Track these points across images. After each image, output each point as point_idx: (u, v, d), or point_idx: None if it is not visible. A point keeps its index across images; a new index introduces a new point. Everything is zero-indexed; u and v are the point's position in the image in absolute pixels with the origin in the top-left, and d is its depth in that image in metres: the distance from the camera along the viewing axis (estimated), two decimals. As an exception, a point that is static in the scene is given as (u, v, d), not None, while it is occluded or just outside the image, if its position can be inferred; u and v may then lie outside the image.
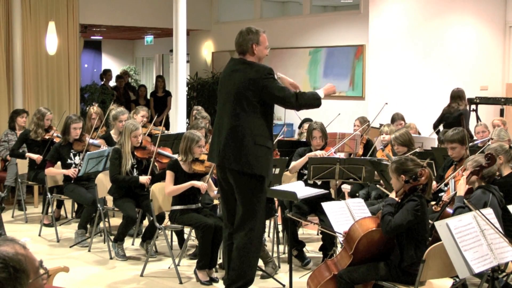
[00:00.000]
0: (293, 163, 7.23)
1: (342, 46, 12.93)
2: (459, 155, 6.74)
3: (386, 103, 9.92)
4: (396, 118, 10.03)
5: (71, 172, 8.04)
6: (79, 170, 8.03)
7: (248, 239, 5.53)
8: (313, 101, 5.59)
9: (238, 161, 5.44)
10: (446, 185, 6.65)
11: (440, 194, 6.69)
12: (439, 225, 4.24)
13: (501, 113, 12.57)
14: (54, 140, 9.03)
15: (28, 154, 9.18)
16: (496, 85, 13.03)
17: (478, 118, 11.33)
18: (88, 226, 8.19)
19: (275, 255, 7.20)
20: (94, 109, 9.83)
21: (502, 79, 13.13)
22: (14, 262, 2.24)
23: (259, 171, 5.45)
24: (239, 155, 5.44)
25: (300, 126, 10.52)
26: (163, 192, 6.90)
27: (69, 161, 8.20)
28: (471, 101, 11.64)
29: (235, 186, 5.56)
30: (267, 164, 5.51)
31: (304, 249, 7.16)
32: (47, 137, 9.14)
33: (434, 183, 6.75)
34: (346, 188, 8.73)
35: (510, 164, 6.26)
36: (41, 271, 2.41)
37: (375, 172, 6.90)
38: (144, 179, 7.37)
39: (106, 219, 8.32)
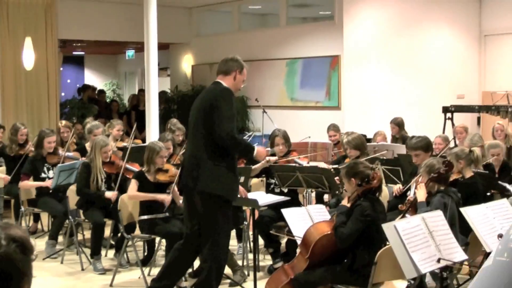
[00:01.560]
0: (253, 167, 7.32)
1: (318, 57, 13.06)
2: (423, 162, 6.81)
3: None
4: (330, 128, 10.25)
5: (48, 183, 8.07)
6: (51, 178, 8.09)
7: (212, 257, 5.59)
8: (244, 150, 5.69)
9: (198, 183, 5.48)
10: (409, 188, 6.73)
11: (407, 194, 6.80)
12: (387, 227, 4.32)
13: (478, 121, 12.70)
14: (29, 155, 9.08)
15: None
16: (473, 94, 13.13)
17: (453, 126, 11.42)
18: (62, 238, 8.24)
19: (246, 263, 7.28)
20: (63, 123, 9.92)
21: (478, 87, 13.24)
22: (27, 243, 2.13)
23: (219, 191, 5.48)
24: (199, 177, 5.48)
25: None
26: (132, 201, 6.98)
27: (43, 175, 8.25)
28: (446, 109, 11.76)
29: (199, 208, 5.59)
30: (228, 184, 5.51)
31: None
32: (21, 152, 9.16)
33: (399, 185, 6.88)
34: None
35: (470, 167, 6.40)
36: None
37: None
38: (110, 194, 7.42)
39: (80, 231, 8.40)
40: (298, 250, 6.52)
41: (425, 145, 6.86)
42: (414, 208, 5.65)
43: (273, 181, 7.32)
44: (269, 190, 7.37)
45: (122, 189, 7.51)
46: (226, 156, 5.50)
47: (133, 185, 6.84)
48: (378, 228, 4.98)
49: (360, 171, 5.17)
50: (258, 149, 5.67)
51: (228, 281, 6.69)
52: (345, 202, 5.20)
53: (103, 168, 7.50)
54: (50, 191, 8.06)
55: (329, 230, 5.07)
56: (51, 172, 8.26)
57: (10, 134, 9.35)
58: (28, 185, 8.22)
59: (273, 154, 7.49)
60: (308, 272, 5.05)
